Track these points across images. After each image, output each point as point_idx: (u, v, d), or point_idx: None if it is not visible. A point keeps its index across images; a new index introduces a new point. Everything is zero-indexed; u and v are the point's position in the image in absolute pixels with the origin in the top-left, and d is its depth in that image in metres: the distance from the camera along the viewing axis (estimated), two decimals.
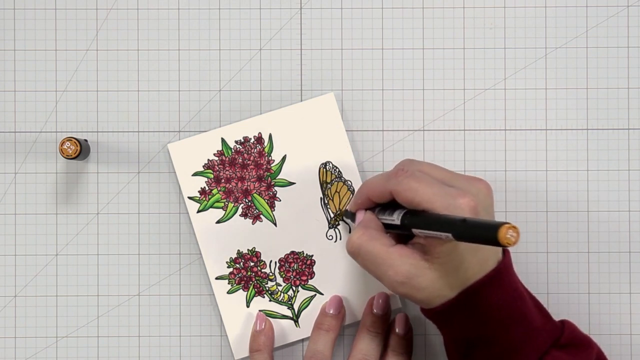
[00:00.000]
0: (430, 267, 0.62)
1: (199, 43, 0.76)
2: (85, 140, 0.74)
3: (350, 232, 0.74)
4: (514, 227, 0.53)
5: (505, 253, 0.65)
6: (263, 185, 0.75)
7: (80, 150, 0.71)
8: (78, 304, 0.76)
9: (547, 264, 0.76)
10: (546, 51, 0.76)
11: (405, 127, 0.76)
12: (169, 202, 0.76)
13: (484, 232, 0.54)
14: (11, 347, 0.76)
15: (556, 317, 0.75)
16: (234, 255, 0.75)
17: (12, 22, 0.76)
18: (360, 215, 0.69)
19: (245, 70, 0.76)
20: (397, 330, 0.73)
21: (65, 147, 0.71)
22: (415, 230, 0.62)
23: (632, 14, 0.76)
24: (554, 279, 0.76)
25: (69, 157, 0.70)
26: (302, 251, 0.75)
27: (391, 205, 0.66)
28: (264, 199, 0.75)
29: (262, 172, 0.75)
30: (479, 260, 0.62)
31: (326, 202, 0.75)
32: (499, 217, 0.75)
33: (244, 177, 0.75)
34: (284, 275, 0.75)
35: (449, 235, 0.57)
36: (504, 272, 0.63)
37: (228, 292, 0.75)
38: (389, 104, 0.76)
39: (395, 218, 0.64)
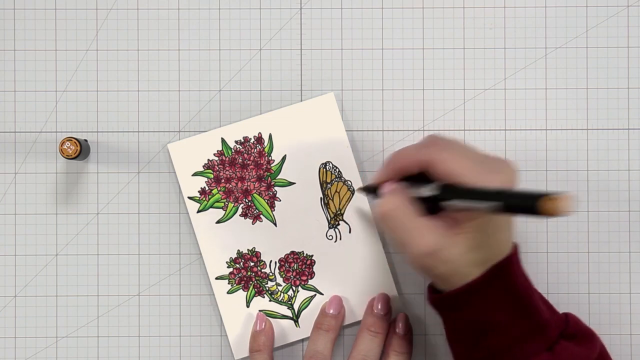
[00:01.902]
0: (459, 240, 0.61)
1: (199, 43, 0.76)
2: (85, 140, 0.74)
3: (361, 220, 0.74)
4: (561, 198, 0.52)
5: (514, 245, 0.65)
6: (263, 185, 0.75)
7: (80, 150, 0.71)
8: (78, 304, 0.76)
9: (547, 264, 0.76)
10: (546, 51, 0.76)
11: (405, 127, 0.76)
12: (169, 202, 0.76)
13: (530, 201, 0.54)
14: (11, 347, 0.76)
15: None
16: (234, 255, 0.75)
17: (12, 22, 0.76)
18: (388, 186, 0.66)
19: (245, 70, 0.76)
20: (397, 330, 0.73)
21: (65, 147, 0.71)
22: (452, 203, 0.61)
23: (632, 14, 0.76)
24: (554, 279, 0.76)
25: (69, 157, 0.70)
26: (302, 251, 0.75)
27: (417, 179, 0.65)
28: (264, 199, 0.75)
29: (262, 172, 0.75)
30: (501, 240, 0.63)
31: (326, 202, 0.75)
32: None
33: (244, 177, 0.75)
34: (284, 275, 0.75)
35: (494, 205, 0.57)
36: (513, 261, 0.64)
37: (228, 292, 0.75)
38: (389, 104, 0.76)
39: (429, 189, 0.63)
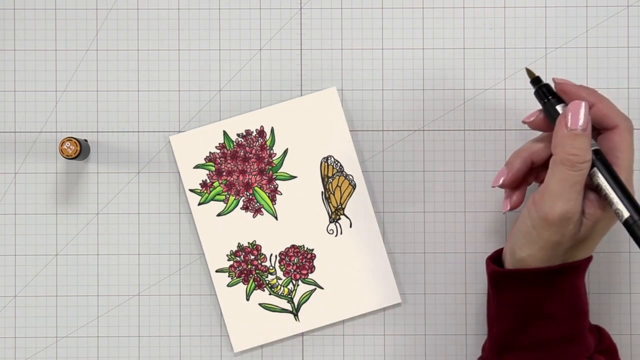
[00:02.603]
0: (577, 223, 0.63)
1: (199, 43, 0.76)
2: (85, 140, 0.74)
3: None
4: None
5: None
6: (264, 179, 0.75)
7: (80, 150, 0.71)
8: (78, 304, 0.76)
9: None
10: (546, 51, 0.76)
11: (405, 127, 0.76)
12: (169, 202, 0.76)
13: None
14: (11, 347, 0.76)
15: None
16: (235, 248, 0.75)
17: (12, 22, 0.76)
18: (584, 110, 0.63)
19: (245, 70, 0.76)
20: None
21: (65, 147, 0.71)
22: (597, 178, 0.63)
23: (632, 14, 0.76)
24: None
25: (69, 157, 0.70)
26: (303, 245, 0.75)
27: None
28: (265, 193, 0.75)
29: (263, 165, 0.75)
30: (592, 246, 0.65)
31: (327, 196, 0.75)
32: (499, 217, 0.75)
33: (245, 170, 0.75)
34: (284, 269, 0.75)
35: (624, 214, 0.62)
36: (585, 267, 0.67)
37: (228, 285, 0.75)
38: (389, 104, 0.76)
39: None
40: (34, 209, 0.76)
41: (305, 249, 0.75)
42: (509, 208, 0.69)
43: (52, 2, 0.76)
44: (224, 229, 0.75)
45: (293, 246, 0.75)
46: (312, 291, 0.75)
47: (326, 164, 0.75)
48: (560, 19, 0.76)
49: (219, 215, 0.75)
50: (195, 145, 0.75)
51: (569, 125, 0.62)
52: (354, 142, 0.75)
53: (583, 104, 0.63)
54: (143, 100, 0.76)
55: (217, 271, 0.75)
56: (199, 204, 0.75)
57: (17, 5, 0.76)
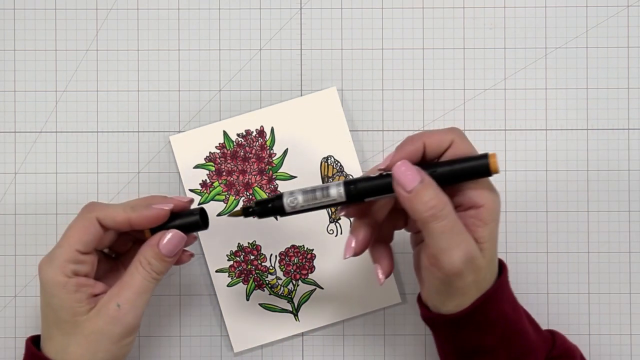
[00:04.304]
0: (485, 249, 0.61)
1: (199, 43, 0.76)
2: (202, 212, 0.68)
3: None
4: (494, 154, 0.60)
5: (502, 264, 0.65)
6: (264, 179, 0.75)
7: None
8: None
9: (547, 264, 0.76)
10: (546, 51, 0.76)
11: (405, 127, 0.76)
12: None
13: (476, 163, 0.60)
14: (11, 347, 0.76)
15: (556, 318, 0.76)
16: (235, 248, 0.75)
17: (12, 22, 0.76)
18: (407, 166, 0.60)
19: (245, 70, 0.76)
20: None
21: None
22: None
23: (632, 14, 0.76)
24: (554, 279, 0.76)
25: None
26: (303, 245, 0.75)
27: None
28: (265, 192, 0.75)
29: (263, 165, 0.75)
30: (496, 255, 0.63)
31: None
32: None
33: (245, 170, 0.75)
34: (284, 269, 0.75)
35: (447, 170, 0.60)
36: (506, 282, 0.64)
37: (228, 285, 0.75)
38: (389, 104, 0.76)
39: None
40: (34, 209, 0.76)
41: (305, 249, 0.75)
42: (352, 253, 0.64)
43: (52, 2, 0.76)
44: (224, 229, 0.75)
45: (293, 246, 0.75)
46: (312, 291, 0.75)
47: (326, 164, 0.75)
48: (560, 19, 0.76)
49: (219, 215, 0.75)
50: (195, 145, 0.75)
51: (407, 189, 0.59)
52: (354, 142, 0.75)
53: (398, 166, 0.60)
54: (143, 100, 0.76)
55: (217, 271, 0.75)
56: (199, 203, 0.75)
57: (17, 5, 0.76)
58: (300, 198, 0.62)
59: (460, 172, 0.61)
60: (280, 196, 0.62)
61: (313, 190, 0.62)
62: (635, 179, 0.76)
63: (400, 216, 0.66)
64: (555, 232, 0.76)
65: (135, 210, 0.64)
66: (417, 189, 0.59)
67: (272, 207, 0.62)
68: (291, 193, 0.62)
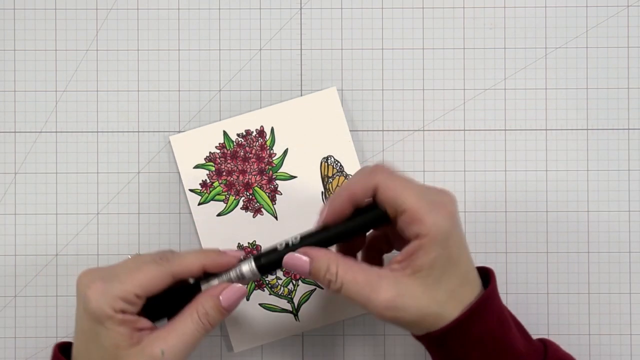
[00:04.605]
0: (414, 282, 0.59)
1: (199, 43, 0.76)
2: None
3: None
4: None
5: (490, 274, 0.64)
6: (264, 179, 0.75)
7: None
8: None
9: (547, 264, 0.76)
10: (546, 51, 0.76)
11: (405, 127, 0.76)
12: (169, 202, 0.76)
13: (371, 215, 0.61)
14: (11, 347, 0.76)
15: (556, 318, 0.76)
16: (235, 249, 0.75)
17: (12, 22, 0.76)
18: (291, 257, 0.62)
19: (245, 70, 0.76)
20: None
21: None
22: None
23: (632, 14, 0.76)
24: (554, 279, 0.76)
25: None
26: None
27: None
28: (265, 193, 0.75)
29: (263, 165, 0.75)
30: (466, 271, 0.61)
31: (327, 196, 0.75)
32: (499, 217, 0.75)
33: (245, 170, 0.75)
34: (284, 269, 0.75)
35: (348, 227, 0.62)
36: (495, 294, 0.62)
37: None
38: (389, 104, 0.76)
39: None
40: (34, 209, 0.76)
41: None
42: None
43: (52, 2, 0.76)
44: (224, 229, 0.75)
45: None
46: (312, 291, 0.75)
47: (326, 164, 0.75)
48: (560, 19, 0.76)
49: (219, 215, 0.75)
50: (195, 145, 0.75)
51: (306, 275, 0.62)
52: (354, 142, 0.75)
53: (287, 259, 0.62)
54: (143, 100, 0.76)
55: None
56: (199, 204, 0.75)
57: (17, 5, 0.76)
58: (215, 282, 0.64)
59: (357, 227, 0.62)
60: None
61: (227, 271, 0.64)
62: (635, 179, 0.76)
63: (382, 241, 0.66)
64: (555, 232, 0.76)
65: (209, 257, 0.63)
66: (312, 272, 0.61)
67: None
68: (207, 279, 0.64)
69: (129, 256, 0.64)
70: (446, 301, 0.60)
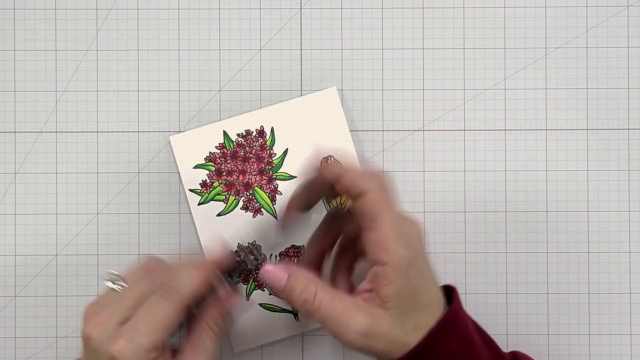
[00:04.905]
0: (385, 313, 0.59)
1: (199, 43, 0.76)
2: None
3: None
4: None
5: (453, 292, 0.63)
6: (264, 179, 0.75)
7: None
8: (78, 304, 0.76)
9: (547, 264, 0.76)
10: (546, 51, 0.76)
11: (405, 127, 0.76)
12: (169, 202, 0.76)
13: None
14: (11, 347, 0.76)
15: (556, 318, 0.76)
16: (235, 249, 0.75)
17: (12, 22, 0.76)
18: (273, 268, 0.62)
19: (245, 70, 0.76)
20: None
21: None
22: None
23: (632, 14, 0.76)
24: (554, 279, 0.76)
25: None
26: (303, 245, 0.75)
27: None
28: (265, 192, 0.75)
29: (263, 165, 0.75)
30: (429, 300, 0.61)
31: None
32: (499, 217, 0.76)
33: (245, 170, 0.75)
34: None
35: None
36: (456, 315, 0.62)
37: None
38: (389, 104, 0.76)
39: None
40: (34, 209, 0.76)
41: (305, 249, 0.75)
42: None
43: (52, 2, 0.76)
44: (224, 229, 0.75)
45: (293, 246, 0.75)
46: None
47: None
48: (560, 19, 0.76)
49: (219, 215, 0.75)
50: (195, 145, 0.75)
51: (279, 290, 0.61)
52: (354, 142, 0.75)
53: (264, 271, 0.62)
54: (143, 100, 0.76)
55: None
56: (199, 204, 0.75)
57: (17, 5, 0.76)
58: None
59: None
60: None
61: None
62: (635, 179, 0.76)
63: (350, 250, 0.67)
64: (555, 232, 0.76)
65: (208, 271, 0.64)
66: (287, 288, 0.61)
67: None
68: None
69: (115, 287, 0.63)
70: (412, 330, 0.60)
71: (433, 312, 0.61)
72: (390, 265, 0.59)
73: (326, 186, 0.63)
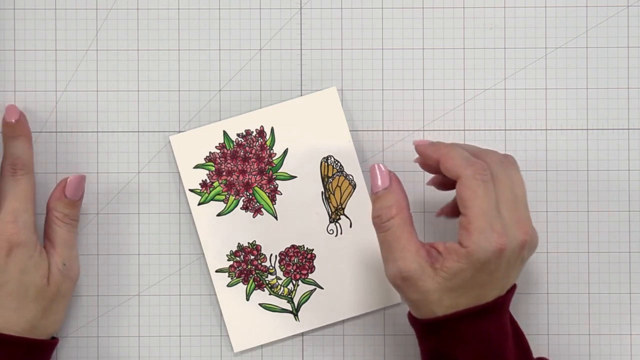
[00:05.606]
0: (434, 277, 0.62)
1: (199, 43, 0.76)
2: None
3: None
4: None
5: (510, 289, 0.65)
6: (264, 179, 0.75)
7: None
8: (78, 304, 0.76)
9: (547, 264, 0.76)
10: (546, 51, 0.76)
11: (405, 127, 0.76)
12: (169, 202, 0.76)
13: None
14: None
15: (556, 318, 0.76)
16: (235, 249, 0.75)
17: (12, 22, 0.76)
18: (380, 169, 0.65)
19: (245, 70, 0.76)
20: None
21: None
22: None
23: (632, 14, 0.76)
24: (554, 279, 0.76)
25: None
26: (303, 245, 0.75)
27: None
28: (265, 192, 0.75)
29: (263, 165, 0.75)
30: (481, 294, 0.63)
31: (327, 196, 0.75)
32: None
33: (245, 170, 0.75)
34: (284, 269, 0.75)
35: None
36: (496, 307, 0.63)
37: (228, 285, 0.75)
38: (389, 104, 0.76)
39: None
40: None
41: (305, 249, 0.75)
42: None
43: (52, 2, 0.76)
44: (224, 229, 0.75)
45: (293, 246, 0.75)
46: (312, 291, 0.75)
47: (326, 164, 0.75)
48: (560, 19, 0.76)
49: (219, 215, 0.75)
50: (195, 145, 0.75)
51: (373, 191, 0.65)
52: (354, 142, 0.75)
53: (375, 165, 0.65)
54: (143, 100, 0.76)
55: (217, 271, 0.75)
56: (199, 204, 0.75)
57: (17, 5, 0.76)
58: None
59: None
60: None
61: None
62: (635, 179, 0.76)
63: None
64: (555, 232, 0.76)
65: (28, 133, 0.73)
66: (379, 194, 0.65)
67: None
68: None
69: None
70: (447, 307, 0.62)
71: (479, 302, 0.62)
72: (465, 249, 0.61)
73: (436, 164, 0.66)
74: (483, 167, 0.63)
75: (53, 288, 0.69)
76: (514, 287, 0.65)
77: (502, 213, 0.63)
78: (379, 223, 0.64)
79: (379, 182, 0.65)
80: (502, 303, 0.63)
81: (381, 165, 0.65)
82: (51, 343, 0.70)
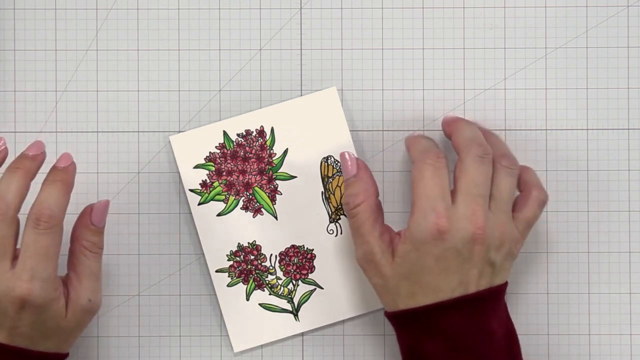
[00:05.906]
0: (391, 263, 0.64)
1: (199, 43, 0.76)
2: None
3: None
4: None
5: (488, 290, 0.64)
6: (264, 179, 0.75)
7: None
8: None
9: (547, 264, 0.76)
10: (546, 51, 0.76)
11: (405, 127, 0.76)
12: (169, 202, 0.76)
13: None
14: None
15: (556, 318, 0.76)
16: (235, 249, 0.75)
17: (12, 22, 0.76)
18: (349, 156, 0.69)
19: (245, 70, 0.76)
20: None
21: None
22: None
23: (632, 14, 0.76)
24: (554, 279, 0.76)
25: None
26: (303, 245, 0.75)
27: None
28: (265, 192, 0.75)
29: (263, 165, 0.75)
30: (434, 286, 0.63)
31: (327, 196, 0.75)
32: None
33: (245, 170, 0.75)
34: (284, 269, 0.75)
35: None
36: (465, 306, 0.63)
37: (228, 285, 0.75)
38: (389, 104, 0.76)
39: None
40: None
41: (305, 249, 0.75)
42: None
43: (52, 2, 0.76)
44: (224, 229, 0.75)
45: (293, 246, 0.75)
46: (312, 291, 0.75)
47: (326, 164, 0.75)
48: (560, 19, 0.76)
49: (219, 215, 0.75)
50: (195, 145, 0.75)
51: (344, 177, 0.68)
52: (354, 142, 0.75)
53: (344, 154, 0.69)
54: (143, 100, 0.76)
55: (217, 271, 0.75)
56: (199, 204, 0.75)
57: (17, 5, 0.76)
58: None
59: None
60: None
61: None
62: (635, 179, 0.76)
63: None
64: (555, 232, 0.76)
65: (65, 183, 0.66)
66: (349, 182, 0.68)
67: None
68: None
69: None
70: (406, 296, 0.64)
71: (435, 295, 0.63)
72: (407, 230, 0.64)
73: None
74: (437, 155, 0.65)
75: (72, 323, 0.64)
76: (497, 288, 0.65)
77: (457, 202, 0.64)
78: (347, 210, 0.67)
79: (348, 171, 0.68)
80: (469, 301, 0.63)
81: (349, 153, 0.69)
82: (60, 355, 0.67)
